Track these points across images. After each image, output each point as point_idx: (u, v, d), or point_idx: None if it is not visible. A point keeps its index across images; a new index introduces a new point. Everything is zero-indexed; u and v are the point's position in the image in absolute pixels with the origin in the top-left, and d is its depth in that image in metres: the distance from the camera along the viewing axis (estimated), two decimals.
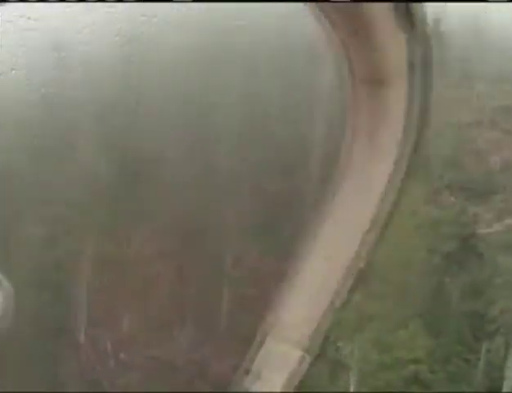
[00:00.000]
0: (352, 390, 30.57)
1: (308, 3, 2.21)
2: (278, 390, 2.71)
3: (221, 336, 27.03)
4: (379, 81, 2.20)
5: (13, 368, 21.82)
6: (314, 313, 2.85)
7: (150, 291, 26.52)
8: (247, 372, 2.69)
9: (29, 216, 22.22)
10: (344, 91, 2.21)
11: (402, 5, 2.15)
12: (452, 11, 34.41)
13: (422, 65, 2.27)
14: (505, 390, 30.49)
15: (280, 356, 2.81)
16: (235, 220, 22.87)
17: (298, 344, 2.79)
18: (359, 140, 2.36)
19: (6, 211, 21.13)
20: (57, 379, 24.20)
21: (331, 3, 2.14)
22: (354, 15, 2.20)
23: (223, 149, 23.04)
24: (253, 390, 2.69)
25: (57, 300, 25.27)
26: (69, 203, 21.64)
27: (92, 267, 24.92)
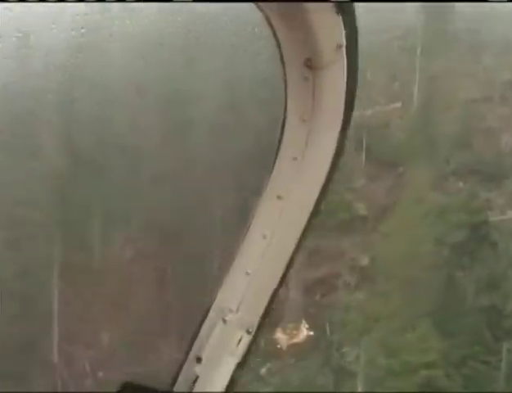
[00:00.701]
0: None
1: None
2: (222, 373, 2.87)
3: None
4: (313, 64, 2.45)
5: None
6: (255, 292, 2.99)
7: (129, 299, 26.71)
8: (188, 354, 2.89)
9: None
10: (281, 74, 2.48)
11: None
12: None
13: (350, 48, 2.46)
14: None
15: (221, 337, 2.95)
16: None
17: (240, 324, 2.94)
18: (293, 122, 2.63)
19: None
20: None
21: None
22: None
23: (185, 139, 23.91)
24: (198, 373, 2.89)
25: (24, 313, 24.94)
26: (30, 202, 21.52)
27: (62, 274, 24.76)
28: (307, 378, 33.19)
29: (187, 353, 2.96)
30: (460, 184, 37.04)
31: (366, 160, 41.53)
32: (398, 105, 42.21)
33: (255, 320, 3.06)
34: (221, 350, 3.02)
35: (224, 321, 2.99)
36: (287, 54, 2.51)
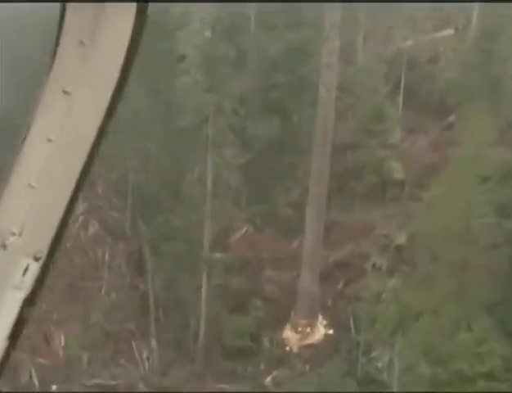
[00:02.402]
0: None
1: None
2: (6, 310, 3.05)
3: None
4: (87, 43, 2.93)
5: None
6: (42, 209, 3.07)
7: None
8: None
9: None
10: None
11: None
12: None
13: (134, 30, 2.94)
14: None
15: (1, 266, 3.06)
16: None
17: (25, 249, 3.04)
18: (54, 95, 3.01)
19: None
20: None
21: None
22: None
23: None
24: None
25: None
26: None
27: None
28: (324, 391, 32.33)
29: None
30: None
31: (404, 106, 40.81)
32: (450, 32, 41.77)
33: (44, 244, 3.10)
34: (2, 283, 3.06)
35: (4, 246, 3.05)
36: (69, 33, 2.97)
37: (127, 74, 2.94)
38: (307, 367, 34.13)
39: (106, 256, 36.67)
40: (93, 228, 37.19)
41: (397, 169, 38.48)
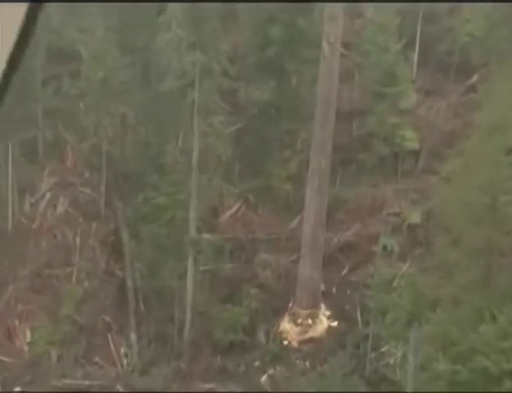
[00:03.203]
0: None
1: None
2: None
3: None
4: None
5: None
6: None
7: None
8: None
9: None
10: None
11: None
12: None
13: None
14: None
15: None
16: None
17: None
18: None
19: None
20: None
21: None
22: None
23: None
24: None
25: None
26: None
27: None
28: (327, 392, 32.24)
29: None
30: None
31: (419, 65, 41.78)
32: None
33: None
34: None
35: None
36: None
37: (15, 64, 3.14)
38: (308, 364, 34.54)
39: (78, 239, 36.92)
40: (62, 206, 37.45)
41: (410, 138, 39.09)
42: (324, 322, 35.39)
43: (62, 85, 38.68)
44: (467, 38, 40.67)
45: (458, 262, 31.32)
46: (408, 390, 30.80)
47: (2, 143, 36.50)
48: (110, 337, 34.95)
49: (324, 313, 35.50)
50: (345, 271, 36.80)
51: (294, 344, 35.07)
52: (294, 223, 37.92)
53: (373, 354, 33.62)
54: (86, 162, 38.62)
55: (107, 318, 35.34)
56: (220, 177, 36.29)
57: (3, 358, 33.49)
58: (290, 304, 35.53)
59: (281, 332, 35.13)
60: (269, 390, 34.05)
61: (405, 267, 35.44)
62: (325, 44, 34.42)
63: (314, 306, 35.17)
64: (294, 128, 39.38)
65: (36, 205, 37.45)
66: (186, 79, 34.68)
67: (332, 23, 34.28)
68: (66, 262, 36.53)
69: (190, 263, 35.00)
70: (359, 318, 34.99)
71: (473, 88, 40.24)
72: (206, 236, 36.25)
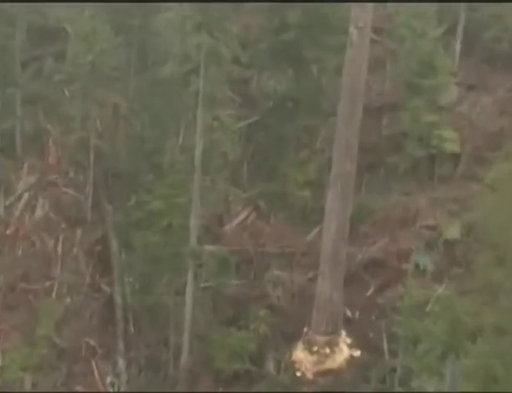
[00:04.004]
0: None
1: None
2: None
3: None
4: None
5: None
6: None
7: None
8: None
9: None
10: None
11: None
12: None
13: None
14: None
15: None
16: None
17: None
18: None
19: None
20: None
21: None
22: None
23: None
24: None
25: None
26: None
27: None
28: None
29: None
30: None
31: (462, 55, 42.00)
32: None
33: None
34: None
35: None
36: None
37: None
38: None
39: (59, 248, 36.76)
40: (42, 209, 37.41)
41: (450, 139, 38.91)
42: (344, 351, 35.05)
43: (44, 68, 38.44)
44: None
45: (503, 284, 30.70)
46: None
47: None
48: (94, 363, 34.67)
49: (344, 341, 35.11)
50: (370, 292, 36.74)
51: (309, 376, 34.71)
52: (311, 236, 37.80)
53: (401, 390, 33.15)
54: (70, 159, 38.56)
55: (91, 341, 35.04)
56: (226, 179, 35.90)
57: None
58: (305, 330, 35.14)
59: (294, 362, 34.87)
60: None
61: (440, 289, 35.41)
62: (352, 29, 33.73)
63: (333, 332, 34.78)
64: (314, 125, 39.19)
65: (11, 207, 37.40)
66: (189, 65, 34.26)
67: (361, 6, 33.65)
68: (45, 275, 36.42)
69: (189, 278, 34.71)
70: (385, 347, 34.85)
71: None
72: (209, 247, 36.27)
